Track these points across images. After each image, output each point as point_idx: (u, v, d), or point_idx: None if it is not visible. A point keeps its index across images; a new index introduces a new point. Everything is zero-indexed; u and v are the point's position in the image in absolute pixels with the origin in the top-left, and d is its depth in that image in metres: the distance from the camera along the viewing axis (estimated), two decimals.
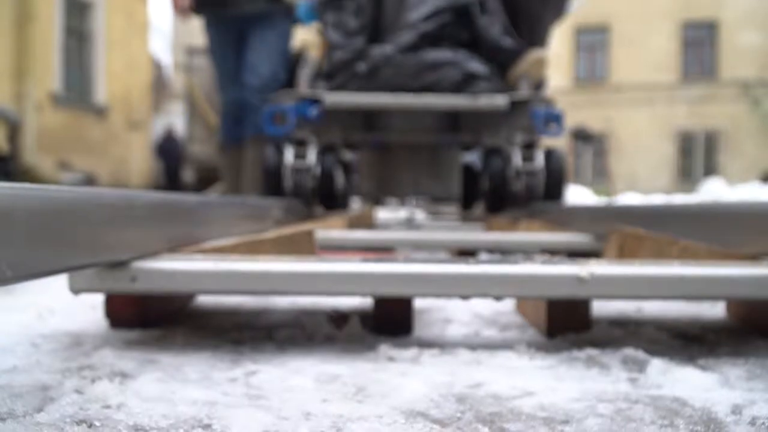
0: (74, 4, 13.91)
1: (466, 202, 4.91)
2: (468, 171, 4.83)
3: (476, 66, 3.83)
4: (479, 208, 4.69)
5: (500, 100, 3.77)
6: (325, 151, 3.86)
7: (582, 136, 17.64)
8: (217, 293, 1.59)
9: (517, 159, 3.74)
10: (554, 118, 3.78)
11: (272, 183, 3.75)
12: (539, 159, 3.74)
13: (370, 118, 4.09)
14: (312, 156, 3.72)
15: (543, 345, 1.36)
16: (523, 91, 3.87)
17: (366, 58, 3.85)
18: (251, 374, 1.15)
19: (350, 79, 3.84)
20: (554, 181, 3.79)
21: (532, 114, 3.77)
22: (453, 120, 4.10)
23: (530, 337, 1.45)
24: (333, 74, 3.89)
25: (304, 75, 4.01)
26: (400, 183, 4.51)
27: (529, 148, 3.80)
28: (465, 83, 3.78)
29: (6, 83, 11.96)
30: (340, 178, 3.96)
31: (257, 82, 4.65)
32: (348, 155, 4.74)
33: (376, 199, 5.42)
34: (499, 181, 3.84)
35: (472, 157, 4.90)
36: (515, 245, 2.57)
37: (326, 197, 3.87)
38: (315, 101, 3.76)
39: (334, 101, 3.75)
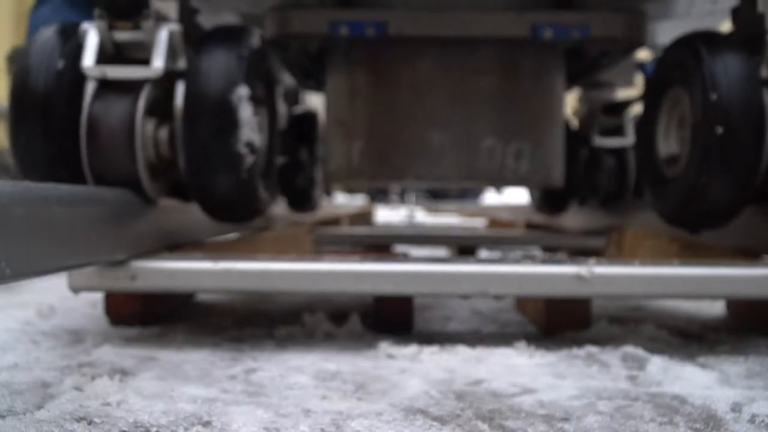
0: None
1: (560, 197, 2.48)
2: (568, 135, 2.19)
3: None
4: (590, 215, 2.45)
5: None
6: (216, 40, 1.48)
7: None
8: (216, 291, 1.59)
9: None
10: None
11: (47, 139, 1.40)
12: None
13: None
14: (160, 50, 1.41)
15: (543, 342, 1.36)
16: None
17: None
18: (251, 371, 1.15)
19: None
20: None
21: None
22: None
23: (530, 335, 1.45)
24: None
25: None
26: (428, 149, 1.96)
27: None
28: None
29: (6, 81, 11.97)
30: (252, 130, 1.43)
31: None
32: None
33: (373, 190, 3.33)
34: (720, 140, 1.45)
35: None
36: (515, 241, 2.56)
37: (209, 184, 1.45)
38: None
39: None
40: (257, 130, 1.44)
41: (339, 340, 1.39)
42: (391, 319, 1.47)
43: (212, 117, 1.39)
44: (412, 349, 1.28)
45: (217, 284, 1.30)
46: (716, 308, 1.78)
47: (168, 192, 1.51)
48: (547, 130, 1.97)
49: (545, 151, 1.96)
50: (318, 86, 2.23)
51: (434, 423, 0.91)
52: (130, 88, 1.39)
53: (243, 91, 1.40)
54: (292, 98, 2.50)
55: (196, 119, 1.39)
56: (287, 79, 2.27)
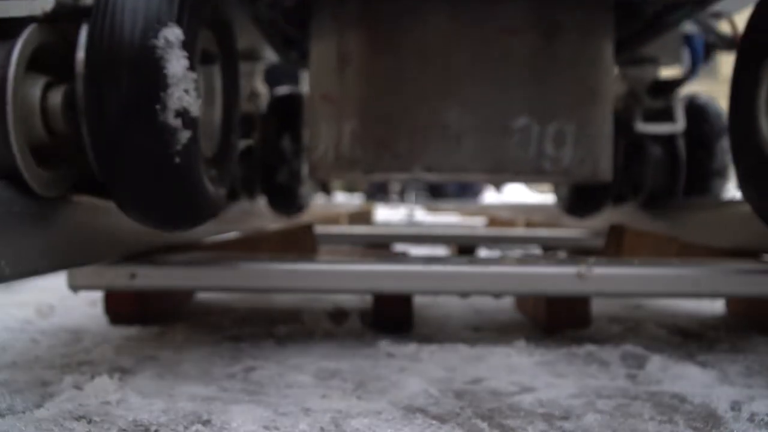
0: None
1: (596, 195, 2.06)
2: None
3: None
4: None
5: None
6: None
7: None
8: (216, 290, 1.59)
9: None
10: None
11: None
12: None
13: None
14: None
15: (542, 341, 1.36)
16: None
17: None
18: (250, 370, 1.15)
19: None
20: None
21: None
22: None
23: (529, 334, 1.45)
24: None
25: None
26: (442, 132, 1.47)
27: None
28: None
29: None
30: (189, 93, 0.96)
31: None
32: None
33: (371, 187, 3.03)
34: None
35: None
36: (515, 240, 2.56)
37: (124, 171, 0.97)
38: None
39: None
40: (197, 95, 0.97)
41: (339, 338, 1.39)
42: (391, 318, 1.47)
43: (126, 72, 0.92)
44: (411, 347, 1.28)
45: (217, 283, 1.30)
46: (715, 307, 1.78)
47: (75, 185, 1.05)
48: (593, 109, 1.49)
49: (592, 136, 1.49)
50: (302, 58, 1.74)
51: (433, 422, 0.91)
52: (8, 32, 0.92)
53: (172, 34, 0.93)
54: (292, 79, 2.16)
55: (103, 76, 0.92)
56: (270, 54, 1.91)
